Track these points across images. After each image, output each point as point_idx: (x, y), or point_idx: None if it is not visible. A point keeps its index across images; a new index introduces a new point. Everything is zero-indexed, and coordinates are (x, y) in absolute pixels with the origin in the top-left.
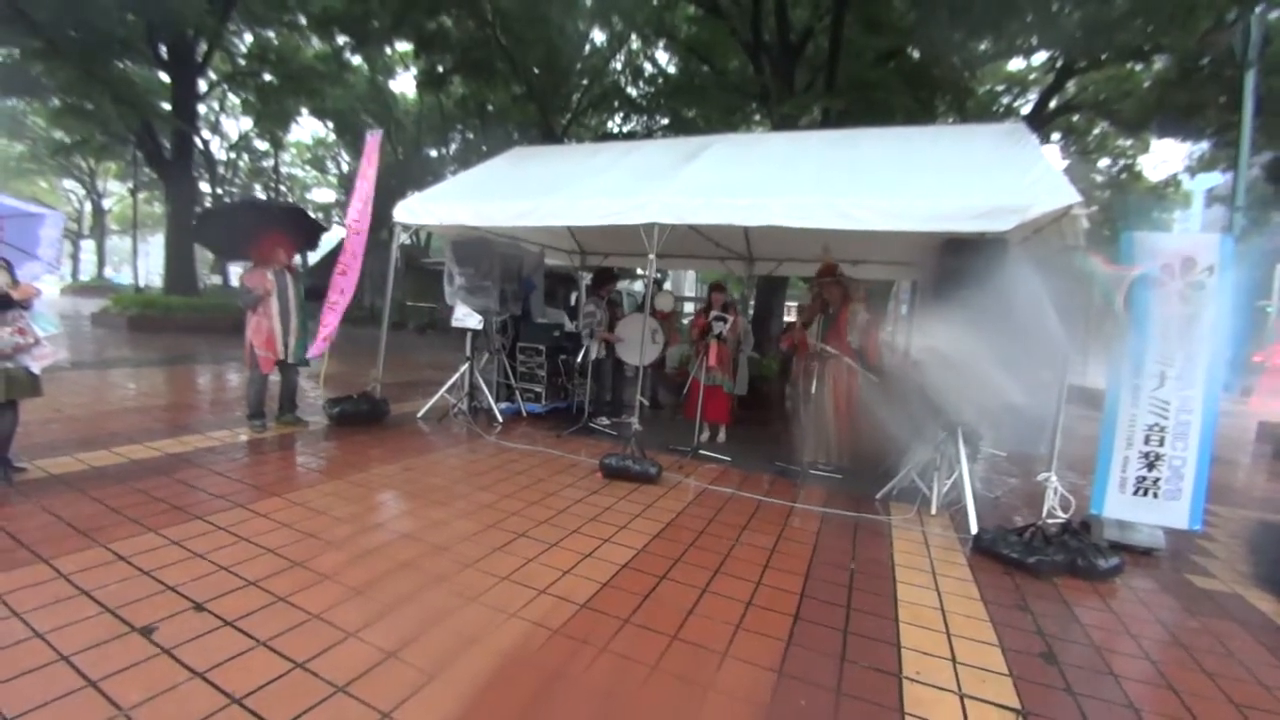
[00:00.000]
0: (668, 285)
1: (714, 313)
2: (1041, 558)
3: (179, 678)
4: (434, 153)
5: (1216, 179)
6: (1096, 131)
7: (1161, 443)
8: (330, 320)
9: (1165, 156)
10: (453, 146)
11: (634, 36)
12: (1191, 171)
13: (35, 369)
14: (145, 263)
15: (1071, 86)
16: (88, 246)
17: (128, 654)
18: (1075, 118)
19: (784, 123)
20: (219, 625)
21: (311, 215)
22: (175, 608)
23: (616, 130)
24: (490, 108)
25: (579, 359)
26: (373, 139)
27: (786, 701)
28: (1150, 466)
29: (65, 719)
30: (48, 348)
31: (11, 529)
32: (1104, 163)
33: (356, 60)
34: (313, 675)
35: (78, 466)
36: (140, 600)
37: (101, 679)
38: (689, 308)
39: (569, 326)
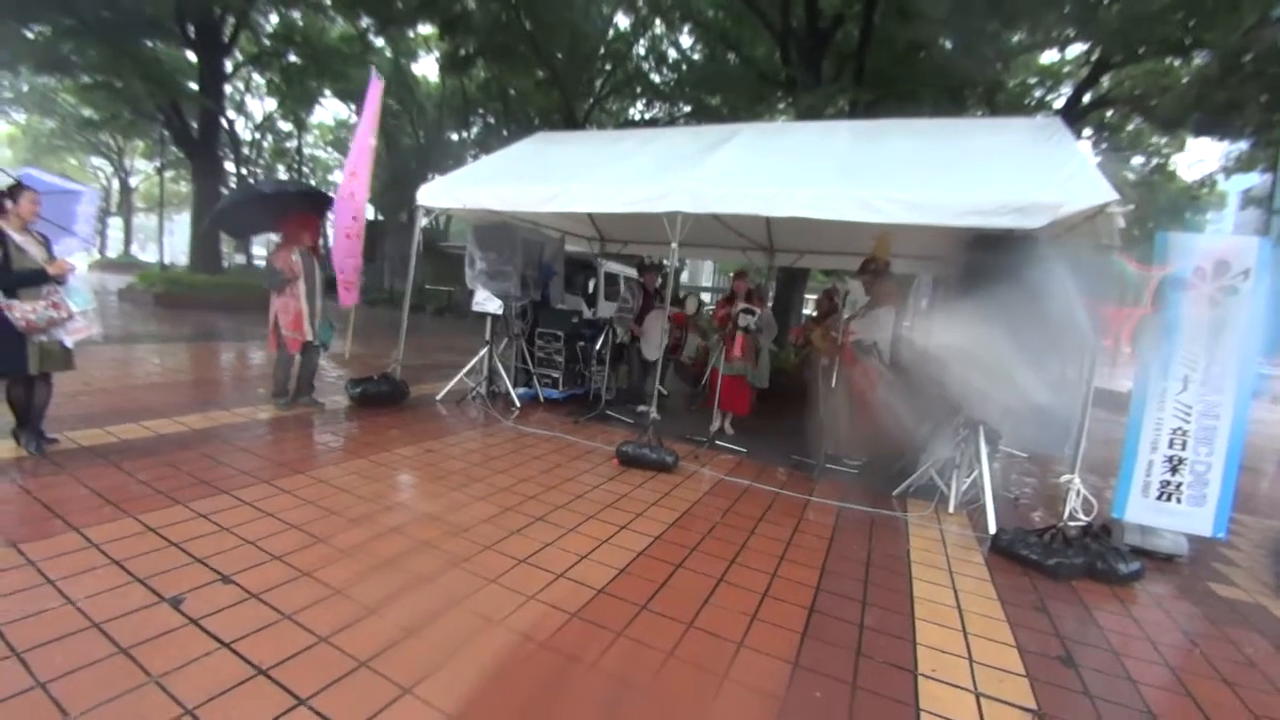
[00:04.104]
0: (684, 275)
1: (741, 305)
2: (1061, 560)
3: (207, 647)
4: (455, 136)
5: (1253, 180)
6: (1130, 128)
7: (1184, 446)
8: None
9: (1200, 155)
10: (474, 130)
11: (659, 21)
12: (1227, 172)
13: (68, 343)
14: (170, 240)
15: (1106, 81)
16: (114, 224)
17: (157, 623)
18: (1109, 113)
19: (809, 113)
20: (245, 598)
21: (329, 196)
22: (203, 579)
23: (639, 117)
24: (512, 92)
25: (598, 345)
26: (375, 82)
27: (802, 693)
28: (1174, 471)
29: (97, 684)
30: (81, 322)
31: (44, 498)
32: (1137, 160)
33: (380, 42)
34: (336, 649)
35: (107, 439)
36: (169, 571)
37: (131, 646)
38: (705, 298)
39: (587, 313)
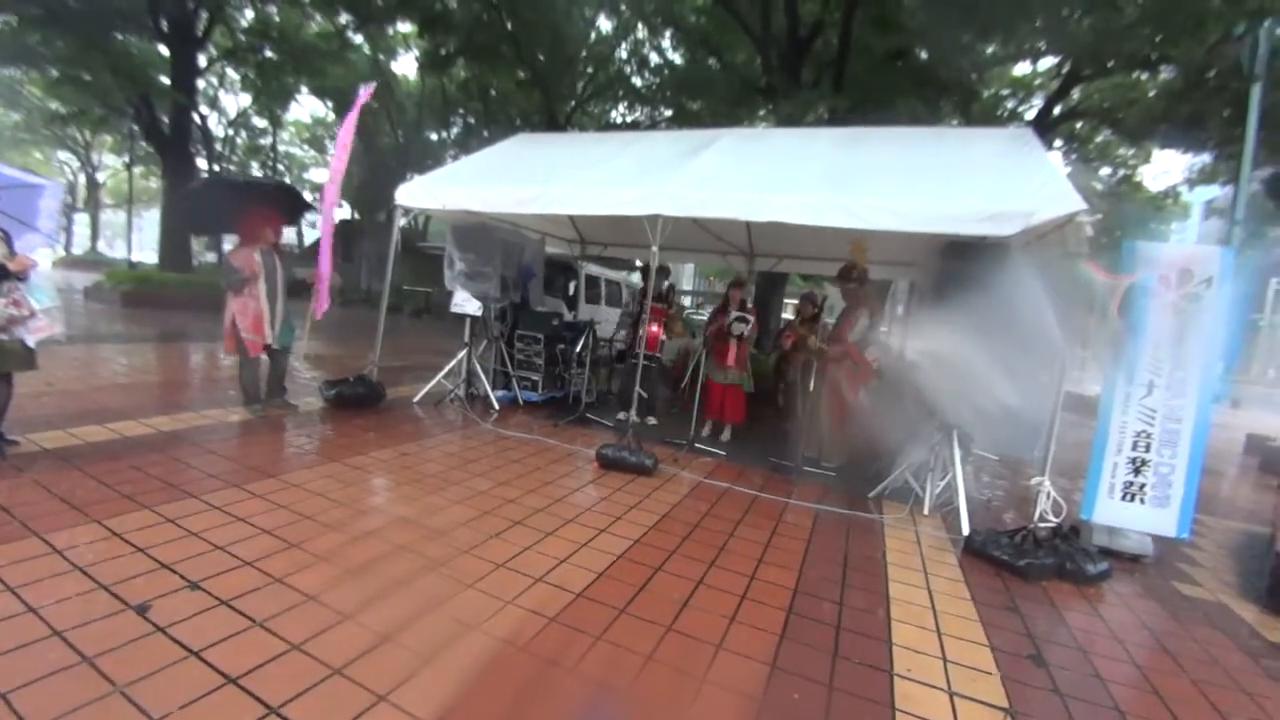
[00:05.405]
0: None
1: (735, 313)
2: (1031, 561)
3: (174, 656)
4: (435, 136)
5: (1215, 192)
6: (1099, 139)
7: (1148, 449)
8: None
9: (1166, 167)
10: (454, 130)
11: (641, 25)
12: (1191, 183)
13: (30, 342)
14: (139, 238)
15: (1076, 94)
16: (81, 220)
17: (122, 631)
18: (1079, 125)
19: (789, 120)
20: (214, 604)
21: (300, 192)
22: (170, 586)
23: (620, 120)
24: (493, 93)
25: (578, 348)
26: (365, 91)
27: (780, 694)
28: (1136, 471)
29: (60, 694)
30: (43, 320)
31: (4, 502)
32: (1105, 171)
33: (358, 39)
34: (309, 657)
35: (71, 441)
36: (134, 577)
37: (96, 655)
38: (686, 301)
39: (567, 316)
